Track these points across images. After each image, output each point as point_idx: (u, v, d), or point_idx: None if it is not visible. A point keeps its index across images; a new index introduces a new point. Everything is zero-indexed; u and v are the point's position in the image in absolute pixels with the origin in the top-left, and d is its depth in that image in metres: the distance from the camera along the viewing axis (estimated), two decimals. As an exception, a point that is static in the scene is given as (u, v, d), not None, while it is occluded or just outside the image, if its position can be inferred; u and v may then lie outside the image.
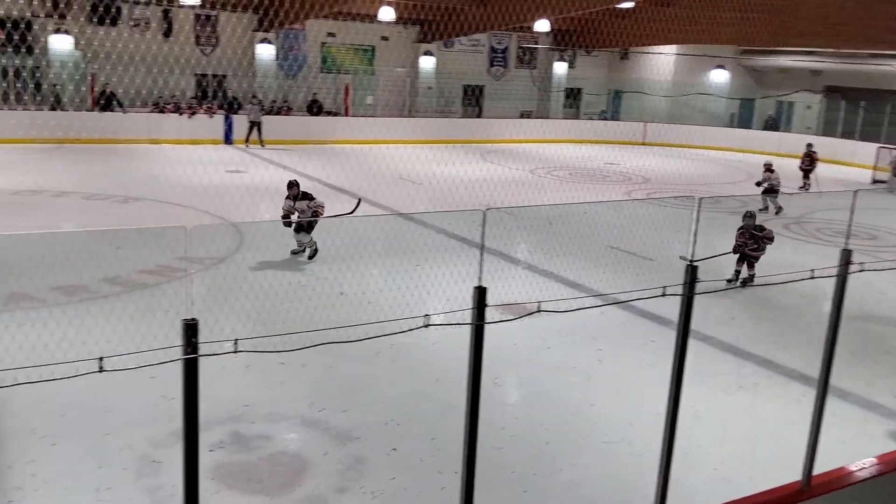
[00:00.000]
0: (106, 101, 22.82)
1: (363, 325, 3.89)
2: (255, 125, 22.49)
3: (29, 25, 22.74)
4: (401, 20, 26.00)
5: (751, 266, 9.60)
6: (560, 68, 31.71)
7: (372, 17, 24.74)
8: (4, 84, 22.51)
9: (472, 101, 30.51)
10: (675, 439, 3.98)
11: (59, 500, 4.38)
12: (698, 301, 3.73)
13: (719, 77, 30.54)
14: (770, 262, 9.47)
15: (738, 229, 9.55)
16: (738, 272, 9.62)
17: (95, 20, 22.91)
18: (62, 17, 22.75)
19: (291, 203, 10.14)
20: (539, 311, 3.84)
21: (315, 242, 9.97)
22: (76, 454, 4.87)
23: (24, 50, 22.64)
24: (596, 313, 8.10)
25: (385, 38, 28.36)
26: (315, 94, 26.21)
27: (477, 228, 3.37)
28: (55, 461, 4.76)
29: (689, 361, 3.93)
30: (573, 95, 32.52)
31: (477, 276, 3.34)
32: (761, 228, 9.51)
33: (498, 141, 27.21)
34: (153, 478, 4.66)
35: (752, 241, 9.47)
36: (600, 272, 8.13)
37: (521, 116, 30.45)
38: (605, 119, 31.59)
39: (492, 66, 31.00)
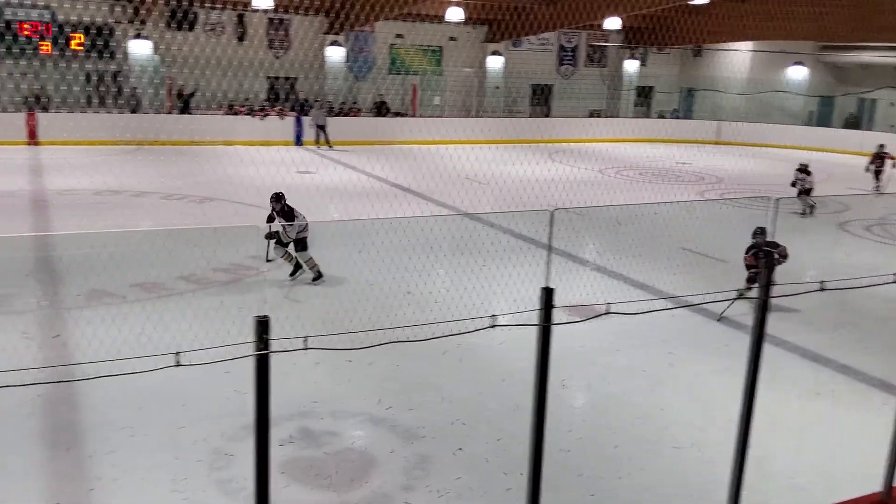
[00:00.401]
0: (184, 104, 23.58)
1: (430, 325, 3.91)
2: (320, 127, 22.84)
3: (111, 32, 23.66)
4: (469, 20, 26.01)
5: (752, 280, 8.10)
6: (631, 66, 31.21)
7: (440, 18, 24.83)
8: (88, 88, 23.47)
9: (541, 100, 30.33)
10: (748, 446, 3.87)
11: (136, 490, 4.54)
12: (774, 304, 3.61)
13: (797, 74, 29.55)
14: (851, 264, 9.10)
15: (749, 249, 8.27)
16: (741, 292, 8.13)
17: (173, 25, 23.70)
18: (142, 22, 23.57)
19: (274, 216, 9.04)
20: (608, 313, 3.79)
21: (315, 264, 9.03)
22: (153, 446, 5.04)
23: (106, 55, 23.56)
24: (667, 316, 7.94)
25: (453, 39, 28.44)
26: (382, 95, 26.47)
27: (544, 229, 3.34)
28: (133, 452, 4.94)
29: (764, 367, 3.81)
30: (644, 94, 31.97)
31: (544, 277, 3.31)
32: (775, 245, 8.21)
33: (566, 140, 26.95)
34: (225, 470, 4.78)
35: (767, 260, 7.87)
36: (671, 274, 7.96)
37: (590, 116, 30.11)
38: (678, 118, 30.94)
39: (561, 64, 30.75)
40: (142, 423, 5.30)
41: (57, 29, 23.02)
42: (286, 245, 8.99)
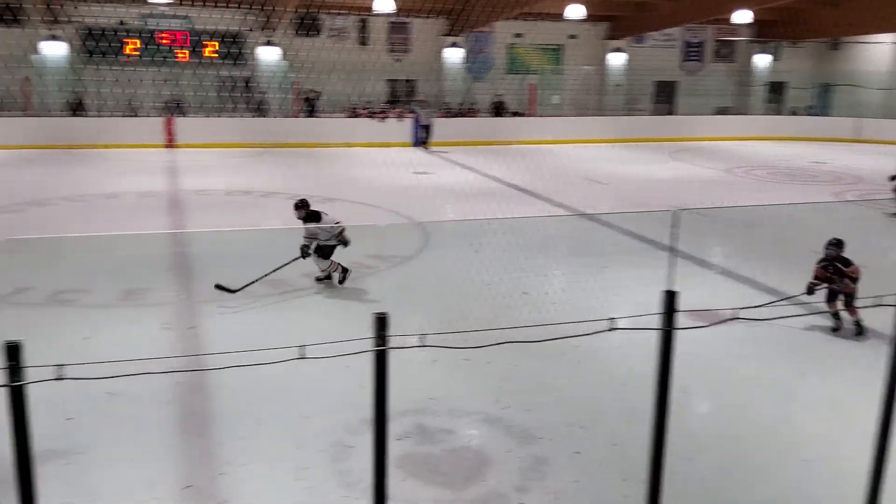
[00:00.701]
0: (311, 108, 24.47)
1: (547, 326, 3.87)
2: (425, 128, 23.05)
3: (242, 39, 24.89)
4: (590, 17, 25.62)
5: (849, 306, 7.34)
6: (761, 61, 29.83)
7: (560, 16, 24.60)
8: (221, 94, 24.77)
9: (664, 97, 29.48)
10: (886, 461, 3.61)
11: (263, 476, 4.74)
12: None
13: (947, 66, 27.39)
14: None
15: (819, 262, 7.45)
16: (836, 315, 7.43)
17: (301, 32, 24.65)
18: (272, 30, 24.65)
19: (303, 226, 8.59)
20: (735, 319, 3.62)
21: (339, 265, 8.60)
22: (278, 434, 5.24)
23: (237, 62, 24.80)
24: (798, 323, 7.53)
25: (573, 37, 28.11)
26: (500, 95, 26.49)
27: (667, 230, 3.23)
28: (260, 439, 5.16)
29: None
30: (776, 90, 30.45)
31: (666, 280, 3.20)
32: (847, 262, 7.30)
33: (690, 139, 26.11)
34: (345, 462, 4.91)
35: (837, 278, 7.30)
36: (804, 279, 7.54)
37: (717, 113, 28.99)
38: (813, 114, 29.30)
39: (685, 60, 29.79)
40: (268, 412, 5.53)
41: (194, 38, 24.44)
42: (327, 255, 8.44)
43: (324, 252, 8.46)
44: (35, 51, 22.77)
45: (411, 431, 5.32)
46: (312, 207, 8.58)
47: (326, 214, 8.55)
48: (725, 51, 30.06)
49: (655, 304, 3.34)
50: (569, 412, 5.75)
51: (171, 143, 21.87)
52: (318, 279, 8.66)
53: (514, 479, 4.81)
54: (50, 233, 10.87)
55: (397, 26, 26.34)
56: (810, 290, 7.34)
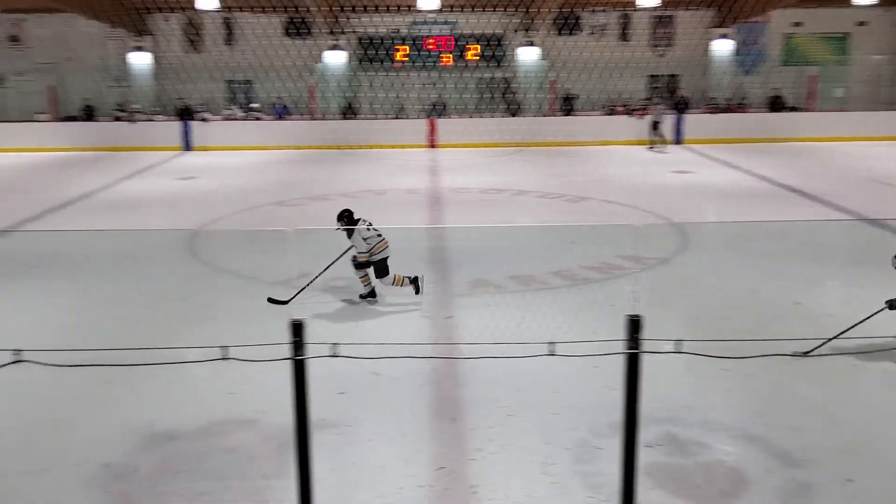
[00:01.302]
0: (569, 107, 24.56)
1: (819, 341, 3.52)
2: (656, 124, 21.79)
3: (501, 41, 25.63)
4: (883, 2, 22.92)
5: None
6: None
7: (846, 1, 22.28)
8: (477, 95, 25.72)
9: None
10: None
11: (511, 466, 4.84)
12: None
13: None
14: None
15: None
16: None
17: (561, 31, 24.83)
18: (530, 30, 25.11)
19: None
20: None
21: (400, 278, 7.90)
22: (527, 427, 5.32)
23: (496, 63, 25.61)
24: None
25: (862, 24, 25.32)
26: (777, 88, 24.62)
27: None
28: (510, 430, 5.27)
29: None
30: None
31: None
32: None
33: None
34: (591, 463, 4.86)
35: None
36: None
37: None
38: None
39: None
40: (518, 404, 5.63)
41: (457, 42, 25.65)
42: (365, 266, 7.84)
43: (361, 263, 7.79)
44: (319, 60, 25.28)
45: (662, 440, 5.12)
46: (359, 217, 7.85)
47: (367, 224, 7.79)
48: None
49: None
50: (841, 436, 5.19)
51: (433, 144, 23.11)
52: (363, 296, 8.03)
53: (775, 503, 4.45)
54: (326, 225, 11.99)
55: (662, 20, 25.51)
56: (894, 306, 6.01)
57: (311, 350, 3.47)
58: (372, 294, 7.98)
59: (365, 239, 7.63)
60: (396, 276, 7.85)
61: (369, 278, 7.86)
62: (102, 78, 25.67)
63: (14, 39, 26.11)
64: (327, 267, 7.85)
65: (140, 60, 25.59)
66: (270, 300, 7.72)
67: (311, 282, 7.77)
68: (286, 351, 3.41)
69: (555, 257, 9.55)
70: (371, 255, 7.69)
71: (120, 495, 4.56)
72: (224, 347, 3.44)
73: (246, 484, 4.65)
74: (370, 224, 7.74)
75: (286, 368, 3.46)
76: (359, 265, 7.79)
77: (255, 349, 3.36)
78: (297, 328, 3.42)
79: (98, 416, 5.61)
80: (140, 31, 25.23)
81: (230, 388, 5.86)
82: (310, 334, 3.47)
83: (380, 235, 7.73)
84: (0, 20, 25.55)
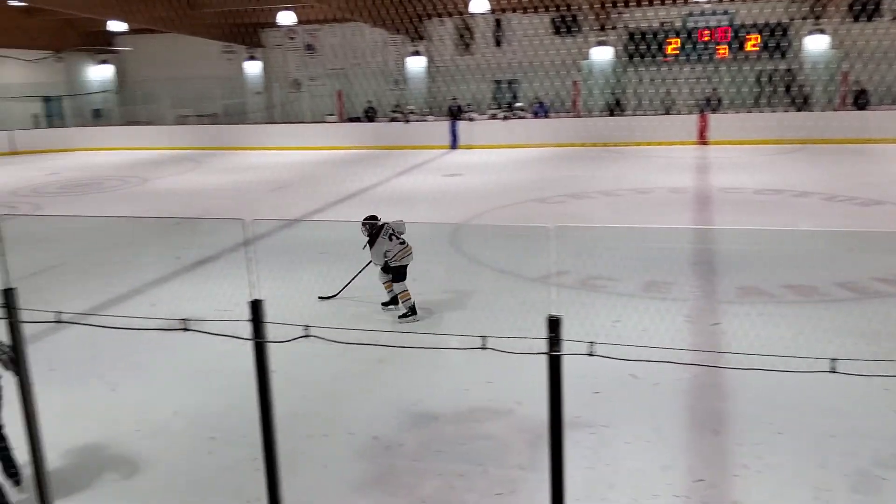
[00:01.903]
0: (865, 101, 22.13)
1: None
2: None
3: (785, 30, 23.67)
4: None
5: None
6: None
7: None
8: (756, 89, 24.01)
9: None
10: None
11: (778, 488, 4.48)
12: None
13: None
14: None
15: None
16: None
17: (858, 17, 22.41)
18: (818, 17, 22.93)
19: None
20: None
21: (407, 295, 7.58)
22: (799, 448, 4.89)
23: (778, 54, 23.71)
24: None
25: None
26: None
27: None
28: (779, 450, 4.88)
29: None
30: None
31: None
32: None
33: None
34: (871, 495, 4.35)
35: None
36: None
37: None
38: None
39: None
40: (790, 423, 5.19)
41: (734, 32, 24.17)
42: (395, 276, 7.58)
43: (398, 273, 7.58)
44: (584, 57, 25.22)
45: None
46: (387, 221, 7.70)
47: (390, 233, 7.55)
48: None
49: None
50: None
51: (703, 140, 22.03)
52: (386, 304, 7.94)
53: None
54: (585, 222, 11.93)
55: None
56: None
57: (566, 347, 3.48)
58: (394, 301, 7.80)
59: (386, 251, 7.51)
60: (406, 292, 7.62)
61: (391, 285, 7.71)
62: (383, 81, 27.91)
63: (310, 48, 29.31)
64: (366, 266, 7.94)
65: (416, 64, 27.48)
66: (321, 297, 8.23)
67: (357, 275, 8.07)
68: (542, 345, 3.45)
69: (840, 267, 8.66)
70: (393, 261, 7.55)
71: (386, 468, 4.92)
72: (483, 337, 3.56)
73: (501, 472, 4.79)
74: (393, 232, 7.55)
75: (542, 363, 3.50)
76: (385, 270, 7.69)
77: (513, 341, 3.44)
78: (554, 324, 3.44)
79: (370, 391, 6.10)
80: (418, 35, 27.02)
81: (488, 376, 6.07)
82: (566, 331, 3.48)
83: (402, 243, 7.57)
84: (298, 31, 28.81)
